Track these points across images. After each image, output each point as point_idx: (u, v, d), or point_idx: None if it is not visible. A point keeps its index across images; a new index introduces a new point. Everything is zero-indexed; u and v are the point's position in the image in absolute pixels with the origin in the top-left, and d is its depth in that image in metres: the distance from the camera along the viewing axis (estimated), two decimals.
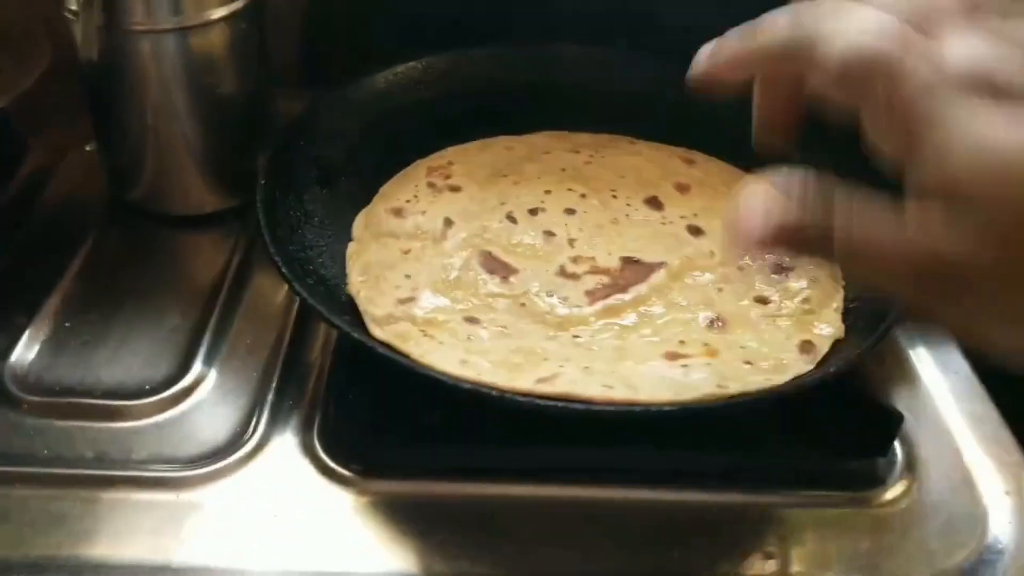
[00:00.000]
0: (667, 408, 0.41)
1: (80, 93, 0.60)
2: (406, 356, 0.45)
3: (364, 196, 0.58)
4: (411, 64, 0.65)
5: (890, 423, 0.46)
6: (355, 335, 0.44)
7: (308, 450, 0.46)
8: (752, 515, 0.45)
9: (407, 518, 0.44)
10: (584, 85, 0.65)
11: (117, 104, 0.57)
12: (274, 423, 0.48)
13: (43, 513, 0.43)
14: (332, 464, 0.46)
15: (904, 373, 0.53)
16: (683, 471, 0.46)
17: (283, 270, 0.47)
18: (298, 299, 0.53)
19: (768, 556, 0.43)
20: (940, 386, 0.52)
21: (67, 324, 0.53)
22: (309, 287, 0.47)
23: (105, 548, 0.42)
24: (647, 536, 0.44)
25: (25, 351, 0.51)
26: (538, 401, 0.40)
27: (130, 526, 0.43)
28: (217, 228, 0.61)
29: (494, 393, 0.40)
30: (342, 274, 0.51)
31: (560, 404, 0.40)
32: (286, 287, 0.55)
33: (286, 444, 0.47)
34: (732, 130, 0.38)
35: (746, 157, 0.39)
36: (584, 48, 0.66)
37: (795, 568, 0.43)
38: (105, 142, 0.61)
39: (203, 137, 0.58)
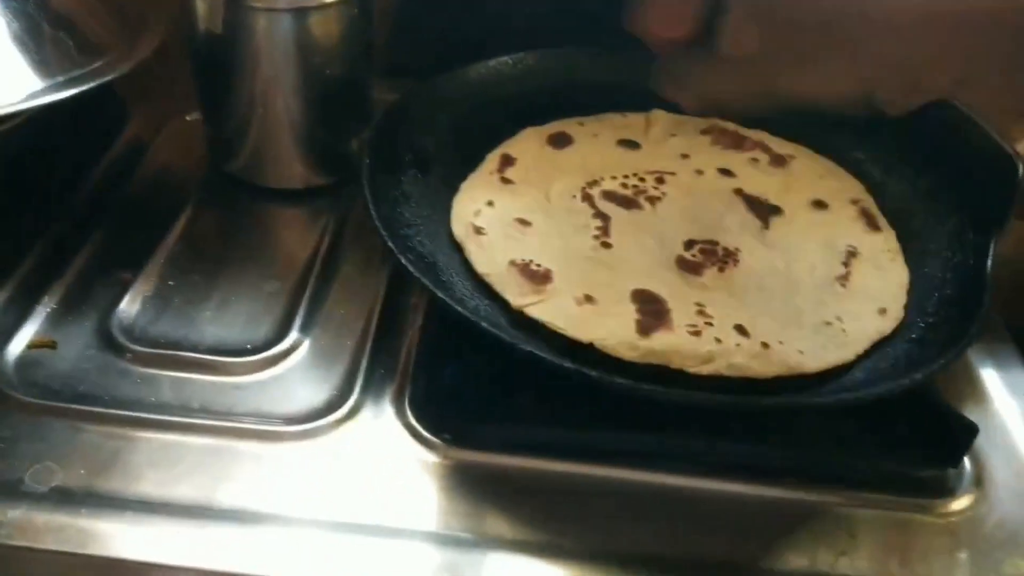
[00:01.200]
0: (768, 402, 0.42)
1: (186, 65, 0.62)
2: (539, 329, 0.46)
3: (457, 182, 0.60)
4: (502, 59, 0.67)
5: (964, 434, 0.47)
6: (457, 308, 0.46)
7: (400, 417, 0.48)
8: (825, 512, 0.46)
9: (492, 488, 0.46)
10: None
11: (228, 78, 0.59)
12: (367, 389, 0.50)
13: (151, 455, 0.45)
14: (422, 431, 0.48)
15: (974, 392, 0.54)
16: (760, 465, 0.47)
17: (389, 243, 0.49)
18: (389, 273, 0.56)
19: (841, 554, 0.44)
20: (1009, 407, 0.53)
21: (171, 283, 0.56)
22: (411, 261, 0.49)
23: (207, 492, 0.44)
24: (722, 525, 0.45)
25: (131, 305, 0.54)
26: (639, 385, 0.42)
27: (230, 474, 0.45)
28: (310, 204, 0.64)
29: (593, 375, 0.42)
30: (437, 252, 0.53)
31: (660, 389, 0.42)
32: (377, 263, 0.58)
33: (378, 410, 0.49)
34: None
35: None
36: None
37: (864, 568, 0.44)
38: (211, 114, 0.63)
39: (306, 116, 0.60)
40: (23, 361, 0.50)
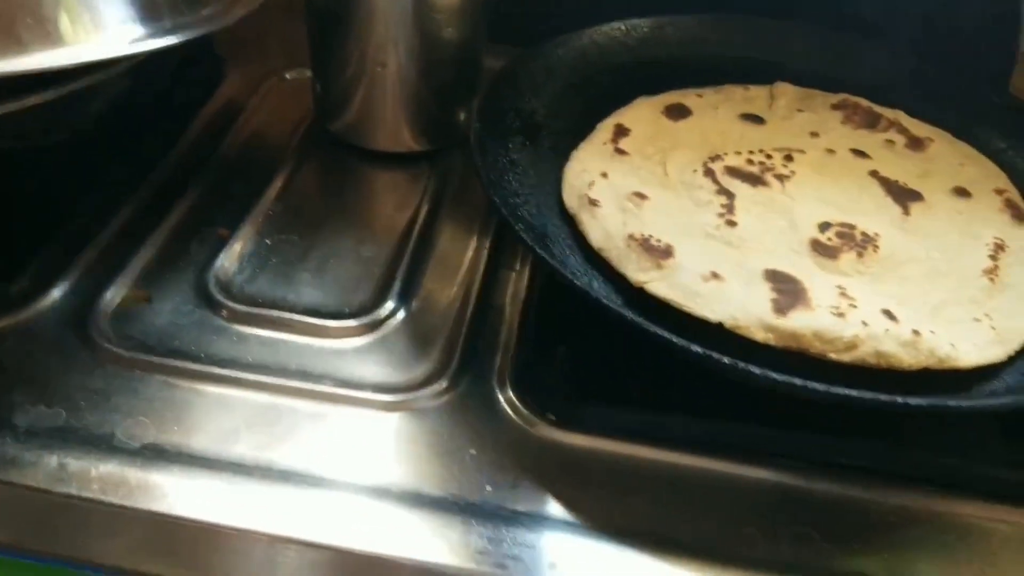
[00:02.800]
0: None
1: (288, 22, 0.61)
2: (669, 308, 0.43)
3: (566, 152, 0.57)
4: (615, 25, 0.64)
5: None
6: (577, 283, 0.42)
7: (501, 393, 0.46)
8: (960, 525, 0.42)
9: (595, 473, 0.43)
10: (790, 63, 0.63)
11: (343, 35, 0.57)
12: (466, 363, 0.47)
13: (247, 416, 0.44)
14: (524, 410, 0.45)
15: None
16: (893, 469, 0.43)
17: (502, 210, 0.46)
18: (489, 245, 0.53)
19: (978, 572, 0.40)
20: None
21: (267, 241, 0.54)
22: (522, 230, 0.46)
23: (303, 459, 0.42)
24: (846, 531, 0.41)
25: (228, 261, 0.52)
26: (772, 375, 0.38)
27: (327, 441, 0.43)
28: (409, 168, 0.61)
29: (725, 362, 0.38)
30: (547, 223, 0.50)
31: (798, 382, 0.38)
32: (476, 233, 0.56)
33: (478, 385, 0.46)
34: None
35: None
36: (796, 25, 0.64)
37: None
38: (321, 71, 0.61)
39: (416, 79, 0.58)
40: (118, 314, 0.48)
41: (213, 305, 0.49)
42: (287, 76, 0.69)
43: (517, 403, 0.45)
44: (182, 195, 0.57)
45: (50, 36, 0.48)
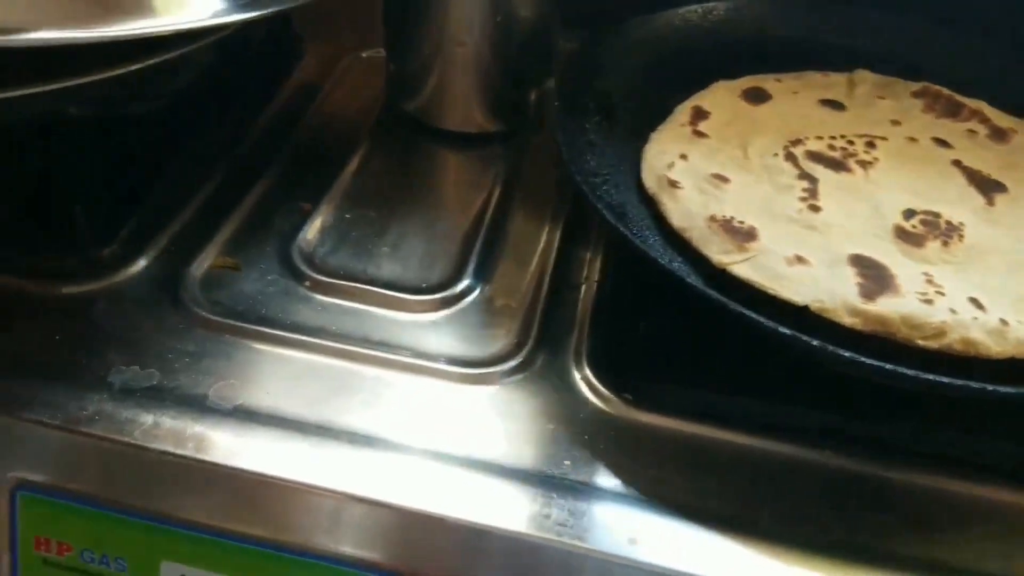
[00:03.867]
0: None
1: (361, 1, 0.61)
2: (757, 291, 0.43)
3: (642, 133, 0.57)
4: (691, 8, 0.64)
5: None
6: (661, 262, 0.43)
7: (579, 371, 0.46)
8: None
9: (673, 453, 0.43)
10: (870, 49, 0.62)
11: (418, 14, 0.58)
12: (543, 340, 0.48)
13: (332, 382, 0.45)
14: (602, 388, 0.45)
15: None
16: (972, 460, 0.43)
17: (583, 187, 0.47)
18: (563, 225, 0.54)
19: None
20: None
21: (347, 216, 0.55)
22: (603, 208, 0.47)
23: (386, 425, 0.43)
24: (920, 520, 0.41)
25: (310, 234, 0.53)
26: (863, 359, 0.38)
27: (406, 408, 0.44)
28: (482, 150, 0.62)
29: (815, 344, 0.38)
30: (626, 204, 0.51)
31: (888, 367, 0.38)
32: (549, 214, 0.56)
33: (555, 362, 0.47)
34: None
35: None
36: (875, 10, 0.64)
37: None
38: (395, 50, 0.62)
39: (491, 59, 0.59)
40: (208, 279, 0.50)
41: (297, 275, 0.50)
42: (363, 55, 0.70)
43: (594, 381, 0.46)
44: (264, 169, 0.58)
45: (138, 5, 0.49)
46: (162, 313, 0.47)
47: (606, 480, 0.42)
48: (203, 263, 0.51)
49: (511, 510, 0.40)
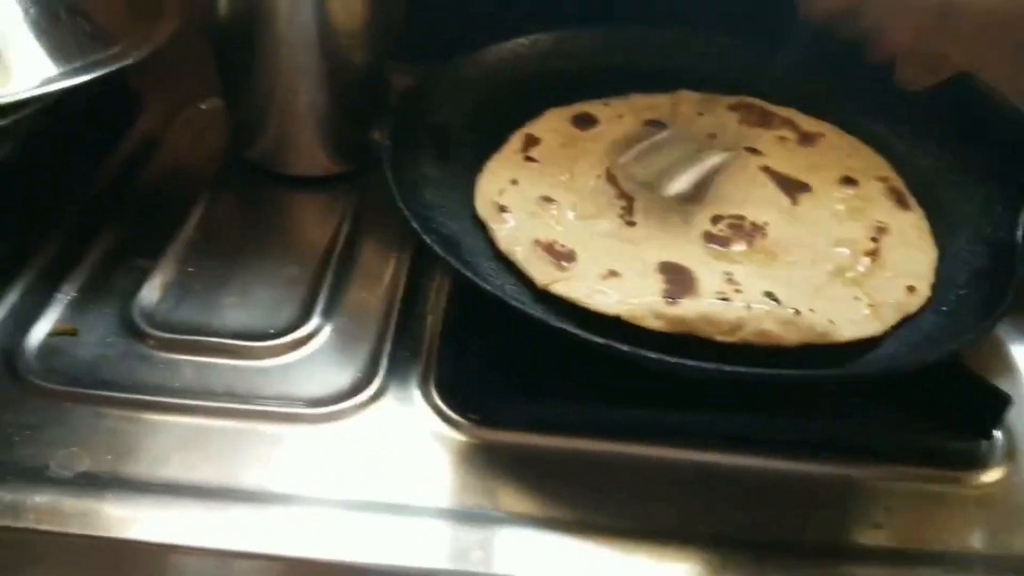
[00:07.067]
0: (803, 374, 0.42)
1: (200, 53, 0.62)
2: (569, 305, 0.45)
3: (477, 164, 0.59)
4: (519, 40, 0.67)
5: (996, 406, 0.46)
6: (483, 285, 0.45)
7: (426, 398, 0.48)
8: (859, 486, 0.46)
9: (521, 467, 0.45)
10: (690, 70, 0.66)
11: (249, 63, 0.59)
12: (392, 372, 0.49)
13: (176, 439, 0.45)
14: (449, 412, 0.47)
15: (1005, 367, 0.53)
16: (790, 440, 0.46)
17: (412, 223, 0.48)
18: (411, 257, 0.55)
19: (877, 527, 0.44)
20: None
21: (190, 269, 0.55)
22: (435, 242, 0.48)
23: (233, 475, 0.43)
24: (755, 501, 0.44)
25: (151, 292, 0.53)
26: (668, 358, 0.41)
27: (256, 456, 0.45)
28: (329, 191, 0.63)
29: (624, 349, 0.41)
30: (460, 233, 0.53)
31: (692, 363, 0.41)
32: (397, 248, 0.58)
33: (404, 392, 0.48)
34: None
35: None
36: (694, 34, 0.68)
37: (899, 540, 0.43)
38: (231, 100, 0.63)
39: (326, 103, 0.60)
40: (45, 349, 0.49)
41: (139, 335, 0.50)
42: (202, 106, 0.70)
43: (441, 405, 0.47)
44: (104, 229, 0.58)
45: None
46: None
47: (455, 502, 0.43)
48: (41, 332, 0.50)
49: (372, 543, 0.41)
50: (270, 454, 0.45)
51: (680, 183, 0.55)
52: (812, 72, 0.65)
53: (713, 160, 0.57)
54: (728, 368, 0.41)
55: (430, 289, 0.55)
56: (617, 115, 0.62)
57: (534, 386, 0.47)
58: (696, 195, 0.55)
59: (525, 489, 0.44)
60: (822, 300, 0.47)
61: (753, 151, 0.59)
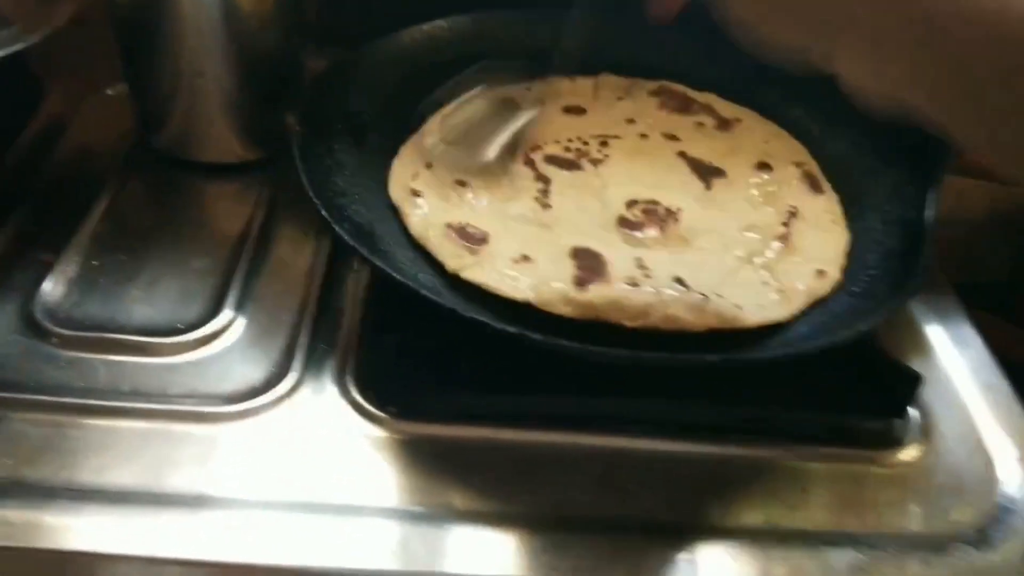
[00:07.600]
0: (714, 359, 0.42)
1: (105, 37, 0.59)
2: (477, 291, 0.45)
3: (392, 150, 0.58)
4: (437, 23, 0.65)
5: (908, 384, 0.47)
6: (395, 275, 0.44)
7: (343, 392, 0.47)
8: (776, 468, 0.46)
9: (441, 459, 0.45)
10: (613, 54, 0.66)
11: (152, 49, 0.56)
12: (308, 366, 0.48)
13: (82, 441, 0.43)
14: (367, 406, 0.46)
15: (918, 345, 0.54)
16: (706, 424, 0.47)
17: (323, 212, 0.47)
18: (328, 247, 0.54)
19: (793, 508, 0.44)
20: (953, 358, 0.53)
21: (95, 263, 0.53)
22: (346, 231, 0.47)
23: (144, 477, 0.42)
24: (674, 485, 0.45)
25: (54, 287, 0.51)
26: (585, 346, 0.41)
27: (167, 457, 0.43)
28: (241, 178, 0.61)
29: (537, 337, 0.41)
30: (374, 222, 0.52)
31: (604, 350, 0.41)
32: (314, 237, 0.56)
33: (321, 386, 0.47)
34: None
35: None
36: (620, 17, 0.67)
37: (817, 521, 0.44)
38: (136, 87, 0.60)
39: (236, 87, 0.58)
40: None
41: (41, 333, 0.48)
42: (109, 92, 0.67)
43: (359, 399, 0.47)
44: (3, 223, 0.55)
45: None
46: None
47: (375, 498, 0.43)
48: None
49: (277, 548, 0.40)
50: (183, 455, 0.43)
51: (495, 147, 0.55)
52: (731, 57, 0.65)
53: (521, 121, 0.57)
54: (627, 353, 0.41)
55: (348, 279, 0.54)
56: (538, 100, 0.62)
57: (452, 377, 0.46)
58: (513, 152, 0.55)
59: (445, 482, 0.44)
60: (731, 286, 0.48)
61: (671, 137, 0.60)
